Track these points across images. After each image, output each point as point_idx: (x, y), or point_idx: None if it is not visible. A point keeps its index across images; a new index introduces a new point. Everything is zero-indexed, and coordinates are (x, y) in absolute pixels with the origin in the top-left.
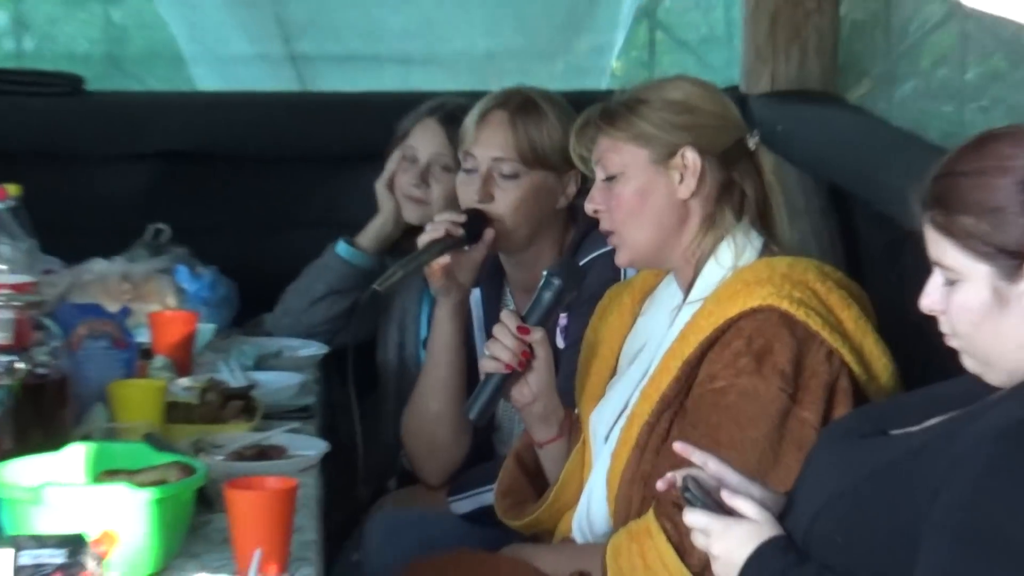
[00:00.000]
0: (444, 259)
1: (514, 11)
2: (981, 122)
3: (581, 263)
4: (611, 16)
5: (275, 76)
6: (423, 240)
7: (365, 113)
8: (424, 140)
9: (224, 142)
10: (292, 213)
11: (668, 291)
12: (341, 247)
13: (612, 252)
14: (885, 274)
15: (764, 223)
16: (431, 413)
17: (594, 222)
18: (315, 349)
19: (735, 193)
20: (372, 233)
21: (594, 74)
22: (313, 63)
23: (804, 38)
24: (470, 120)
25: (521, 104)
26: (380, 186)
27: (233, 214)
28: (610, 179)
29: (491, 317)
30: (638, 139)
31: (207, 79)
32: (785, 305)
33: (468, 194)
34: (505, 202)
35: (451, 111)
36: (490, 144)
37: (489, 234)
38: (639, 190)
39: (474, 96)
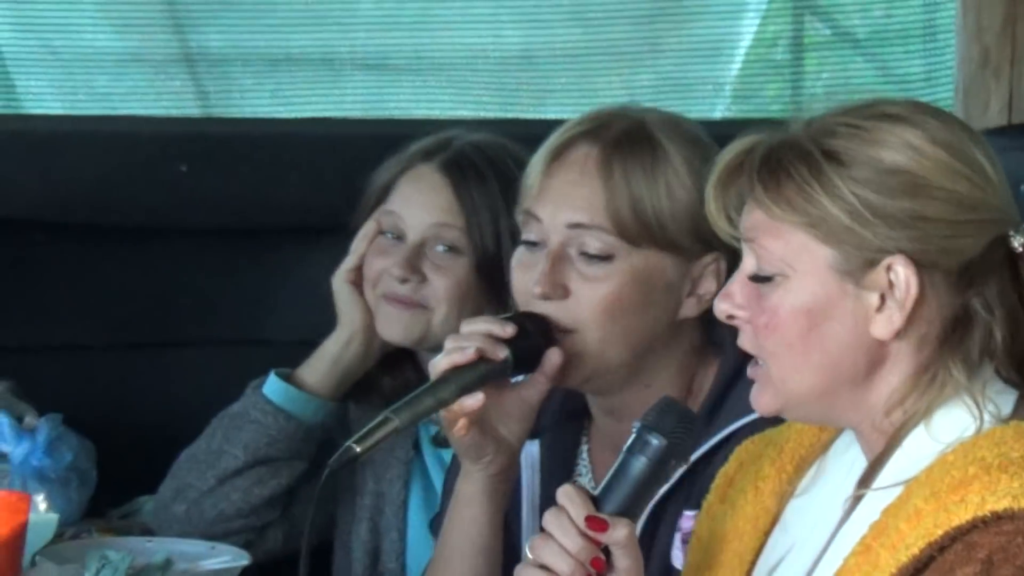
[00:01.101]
0: (473, 400)
1: None
2: None
3: (730, 428)
4: None
5: (159, 90)
6: (439, 366)
7: (310, 153)
8: (416, 202)
9: (70, 203)
10: (186, 323)
11: (845, 457)
12: (272, 385)
13: None
14: None
15: (1019, 367)
16: None
17: (742, 361)
18: (230, 559)
19: (974, 332)
20: (325, 361)
21: (702, 91)
22: (223, 68)
23: None
24: (538, 161)
25: (626, 136)
26: (340, 281)
27: (87, 325)
28: (763, 280)
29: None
30: (817, 229)
31: (39, 95)
32: None
33: (526, 285)
34: (589, 301)
35: (461, 153)
36: (567, 201)
37: (553, 359)
38: (807, 310)
39: (501, 126)
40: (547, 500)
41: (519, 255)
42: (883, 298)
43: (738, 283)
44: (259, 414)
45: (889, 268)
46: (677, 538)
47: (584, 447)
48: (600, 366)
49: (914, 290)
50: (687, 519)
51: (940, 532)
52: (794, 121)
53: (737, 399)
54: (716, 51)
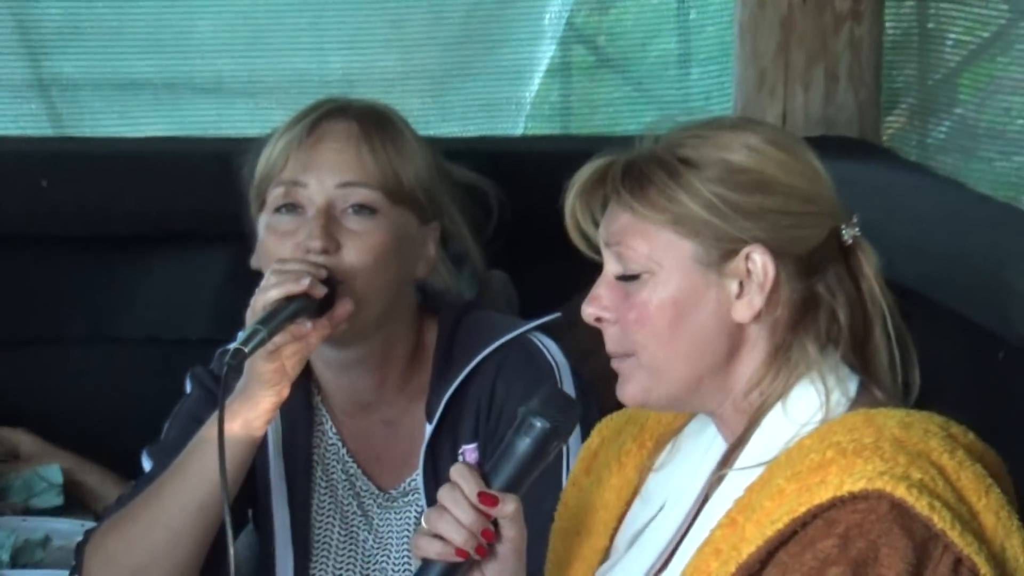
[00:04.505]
0: (302, 328)
1: (385, 15)
2: None
3: (462, 374)
4: (530, 26)
5: (14, 112)
6: (271, 295)
7: (154, 169)
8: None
9: None
10: (40, 322)
11: (702, 438)
12: None
13: (516, 345)
14: (974, 415)
15: (859, 355)
16: (155, 550)
17: (464, 308)
18: None
19: (820, 315)
20: None
21: (506, 110)
22: (74, 92)
23: (834, 55)
24: (289, 138)
25: (372, 113)
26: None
27: None
28: (629, 279)
29: (297, 450)
30: (680, 225)
31: None
32: (901, 491)
33: (286, 248)
34: (359, 252)
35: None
36: (334, 166)
37: (347, 306)
38: (673, 301)
39: None
40: (288, 443)
41: (275, 221)
42: (741, 285)
43: (603, 287)
44: None
45: (747, 257)
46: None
47: (317, 397)
48: (363, 315)
49: (771, 274)
50: (470, 452)
51: (803, 509)
52: (642, 140)
53: (462, 348)
54: (519, 73)
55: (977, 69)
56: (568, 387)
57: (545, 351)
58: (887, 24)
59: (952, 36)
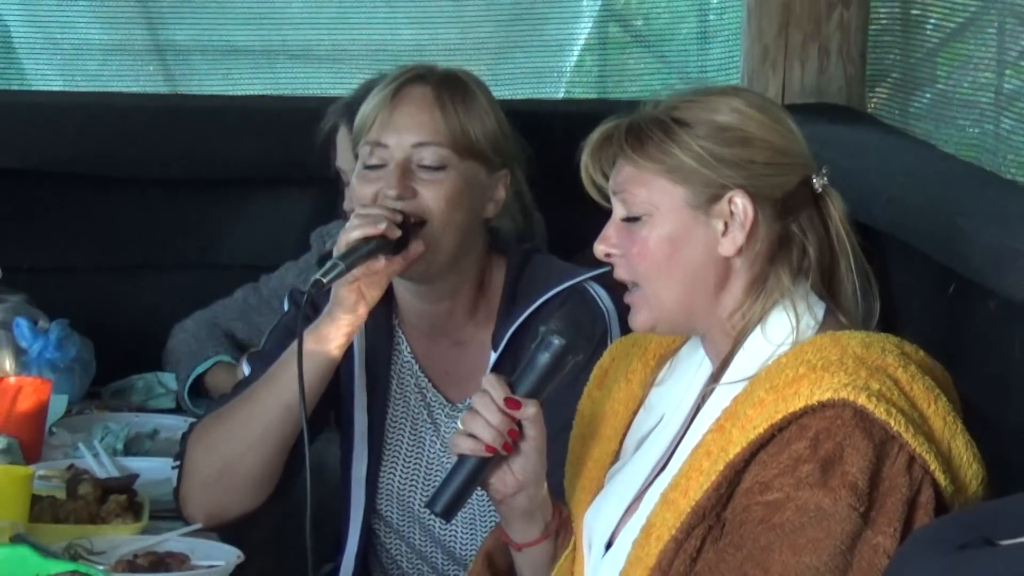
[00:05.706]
0: (377, 263)
1: None
2: None
3: (526, 312)
4: (571, 6)
5: (136, 73)
6: (353, 236)
7: (252, 123)
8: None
9: (70, 158)
10: (156, 250)
11: (694, 358)
12: None
13: (573, 291)
14: (931, 340)
15: (827, 285)
16: (248, 442)
17: (528, 252)
18: None
19: (793, 250)
20: None
21: (549, 78)
22: (186, 57)
23: (826, 36)
24: (377, 101)
25: (447, 79)
26: None
27: (84, 251)
28: (632, 220)
29: (378, 366)
30: (673, 174)
31: (45, 75)
32: (862, 400)
33: (370, 194)
34: (432, 198)
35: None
36: (410, 128)
37: (418, 246)
38: (669, 238)
39: None
40: (370, 358)
41: (364, 173)
42: (726, 224)
43: (612, 228)
44: None
45: (731, 200)
46: None
47: (395, 321)
48: (440, 252)
49: (751, 215)
50: None
51: (780, 416)
52: (645, 104)
53: (526, 288)
54: (561, 47)
55: (953, 49)
56: (615, 329)
57: (598, 298)
58: (877, 10)
59: (932, 21)
